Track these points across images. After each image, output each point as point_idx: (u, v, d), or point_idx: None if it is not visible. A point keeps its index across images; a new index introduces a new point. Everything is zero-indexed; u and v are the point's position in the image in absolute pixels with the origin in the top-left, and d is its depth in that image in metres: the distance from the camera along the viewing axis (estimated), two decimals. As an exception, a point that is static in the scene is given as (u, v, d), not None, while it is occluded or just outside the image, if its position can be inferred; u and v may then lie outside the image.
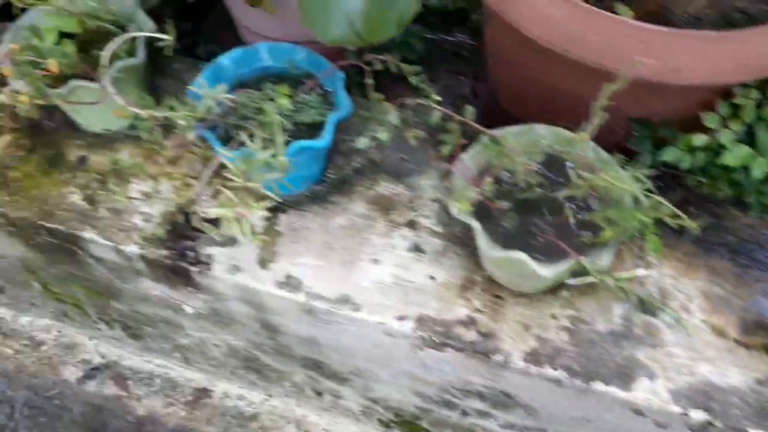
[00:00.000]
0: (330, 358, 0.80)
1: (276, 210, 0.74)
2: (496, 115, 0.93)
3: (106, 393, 1.07)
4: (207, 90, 0.60)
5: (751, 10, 0.69)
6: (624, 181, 0.56)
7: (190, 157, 0.79)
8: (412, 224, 0.73)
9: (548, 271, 0.57)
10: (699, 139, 0.66)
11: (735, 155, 0.66)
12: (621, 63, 0.58)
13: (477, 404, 0.76)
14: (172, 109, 0.63)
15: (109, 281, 0.84)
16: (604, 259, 0.58)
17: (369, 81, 0.69)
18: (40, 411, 1.06)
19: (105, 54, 0.65)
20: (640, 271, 0.67)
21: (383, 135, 0.63)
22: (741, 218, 0.74)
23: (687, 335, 0.65)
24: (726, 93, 0.67)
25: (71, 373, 1.09)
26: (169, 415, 1.05)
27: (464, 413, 0.79)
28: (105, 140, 0.81)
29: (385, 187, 0.76)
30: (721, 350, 0.64)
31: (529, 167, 0.58)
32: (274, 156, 0.60)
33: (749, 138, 0.68)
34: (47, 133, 0.81)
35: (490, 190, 0.60)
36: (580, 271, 0.57)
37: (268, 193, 0.57)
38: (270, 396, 1.02)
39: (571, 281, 0.59)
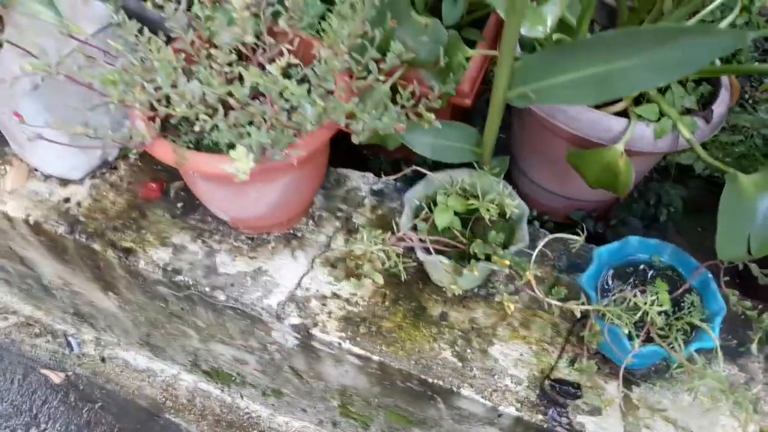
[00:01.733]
0: None
1: (629, 383, 0.84)
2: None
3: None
4: (646, 303, 0.70)
5: None
6: None
7: (539, 321, 0.89)
8: (755, 408, 0.82)
9: None
10: None
11: None
12: None
13: None
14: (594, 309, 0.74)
15: (438, 418, 0.94)
16: None
17: (728, 286, 0.80)
18: None
19: (532, 257, 0.77)
20: None
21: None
22: None
23: None
24: None
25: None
26: None
27: None
28: (458, 298, 0.91)
29: (722, 367, 0.85)
30: None
31: None
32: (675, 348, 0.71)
33: None
34: (404, 285, 0.93)
35: None
36: None
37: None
38: None
39: None
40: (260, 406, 1.25)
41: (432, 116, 0.70)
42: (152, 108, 0.76)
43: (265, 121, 0.73)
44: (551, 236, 0.79)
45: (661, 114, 0.91)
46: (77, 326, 1.35)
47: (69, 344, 1.33)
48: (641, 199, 1.16)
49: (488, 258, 0.81)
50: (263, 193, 0.84)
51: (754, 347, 0.74)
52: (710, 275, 0.81)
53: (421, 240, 0.83)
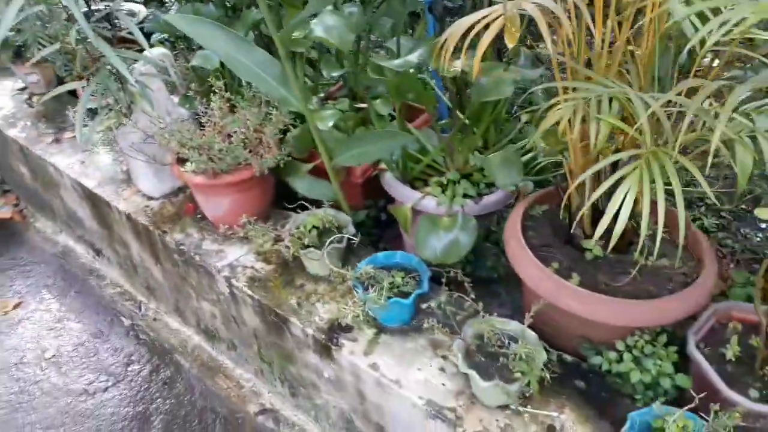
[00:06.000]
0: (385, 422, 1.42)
1: (381, 332, 1.44)
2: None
3: (267, 425, 1.78)
4: (366, 267, 1.36)
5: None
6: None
7: (343, 291, 1.54)
8: (444, 357, 1.37)
9: (485, 384, 1.18)
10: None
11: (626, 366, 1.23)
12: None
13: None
14: (343, 274, 1.41)
15: (291, 350, 1.59)
16: None
17: (444, 282, 1.40)
18: (229, 423, 1.80)
19: (327, 243, 1.46)
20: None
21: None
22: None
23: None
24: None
25: (252, 408, 1.83)
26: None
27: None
28: (316, 278, 1.60)
29: (438, 334, 1.42)
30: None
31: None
32: (381, 300, 1.33)
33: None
34: (288, 268, 1.64)
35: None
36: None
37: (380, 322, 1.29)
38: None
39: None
40: (226, 359, 1.96)
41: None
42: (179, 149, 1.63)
43: (212, 159, 1.56)
44: (336, 236, 1.48)
45: (444, 193, 1.57)
46: (147, 297, 2.20)
47: (140, 308, 2.18)
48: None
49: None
50: (220, 202, 1.65)
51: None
52: (430, 273, 1.42)
53: (291, 236, 1.57)
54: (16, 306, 2.24)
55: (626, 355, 1.27)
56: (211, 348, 2.01)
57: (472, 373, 1.21)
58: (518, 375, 1.19)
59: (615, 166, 1.20)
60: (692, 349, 1.24)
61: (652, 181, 1.01)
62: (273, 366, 1.75)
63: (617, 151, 1.19)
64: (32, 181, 2.49)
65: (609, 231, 1.17)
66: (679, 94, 1.05)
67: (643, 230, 1.00)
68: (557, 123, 1.12)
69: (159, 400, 1.86)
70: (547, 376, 1.19)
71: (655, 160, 1.01)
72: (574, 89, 1.05)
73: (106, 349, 2.04)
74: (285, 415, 1.79)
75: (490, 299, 1.61)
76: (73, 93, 2.31)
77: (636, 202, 1.30)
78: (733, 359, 1.24)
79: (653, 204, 1.03)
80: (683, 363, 1.26)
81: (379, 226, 1.87)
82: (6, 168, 2.69)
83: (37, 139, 2.34)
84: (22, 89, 2.65)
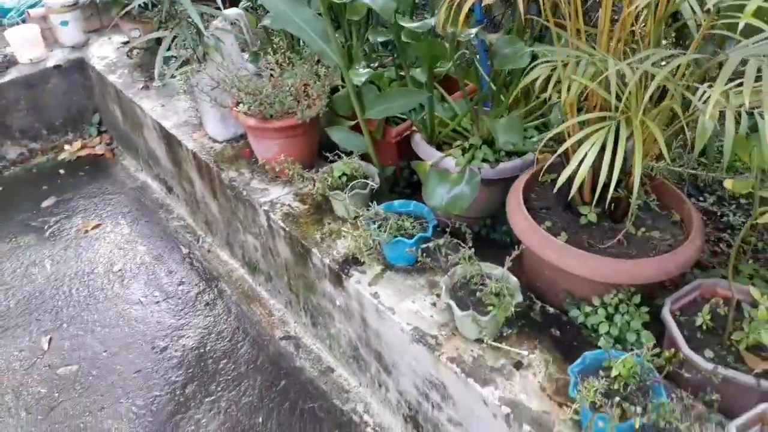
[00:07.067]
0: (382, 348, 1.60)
1: (387, 269, 1.61)
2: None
3: (288, 349, 1.99)
4: (378, 208, 1.54)
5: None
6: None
7: (361, 231, 1.72)
8: (438, 295, 1.53)
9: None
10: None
11: (597, 318, 1.35)
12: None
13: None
14: (357, 212, 1.59)
15: (313, 280, 1.79)
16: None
17: (447, 231, 1.56)
18: (256, 343, 2.02)
19: (348, 188, 1.65)
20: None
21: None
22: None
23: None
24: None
25: (278, 333, 2.05)
26: (310, 373, 1.91)
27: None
28: (342, 220, 1.79)
29: (437, 275, 1.58)
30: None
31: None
32: (384, 235, 1.50)
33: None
34: (320, 210, 1.84)
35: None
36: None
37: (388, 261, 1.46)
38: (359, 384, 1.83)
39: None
40: (263, 290, 2.19)
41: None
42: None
43: (262, 103, 1.78)
44: (359, 181, 1.66)
45: (464, 155, 1.72)
46: (205, 231, 2.48)
47: (198, 240, 2.46)
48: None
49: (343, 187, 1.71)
50: (269, 146, 1.87)
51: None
52: (436, 222, 1.58)
53: (326, 182, 1.77)
54: (95, 227, 2.58)
55: (600, 310, 1.38)
56: (252, 280, 2.25)
57: (452, 303, 1.36)
58: (490, 308, 1.33)
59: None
60: (665, 312, 1.34)
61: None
62: (299, 296, 1.96)
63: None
64: (123, 122, 2.84)
65: (607, 201, 1.29)
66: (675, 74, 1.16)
67: (601, 180, 1.12)
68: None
69: (200, 316, 2.12)
70: (512, 310, 1.32)
71: (624, 121, 1.13)
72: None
73: (163, 270, 2.33)
74: (305, 342, 2.00)
75: (501, 259, 1.75)
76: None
77: (630, 174, 1.41)
78: (705, 328, 1.33)
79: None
80: (658, 327, 1.35)
81: (412, 186, 2.04)
82: (104, 110, 3.07)
83: (131, 84, 2.68)
84: (125, 43, 3.00)
